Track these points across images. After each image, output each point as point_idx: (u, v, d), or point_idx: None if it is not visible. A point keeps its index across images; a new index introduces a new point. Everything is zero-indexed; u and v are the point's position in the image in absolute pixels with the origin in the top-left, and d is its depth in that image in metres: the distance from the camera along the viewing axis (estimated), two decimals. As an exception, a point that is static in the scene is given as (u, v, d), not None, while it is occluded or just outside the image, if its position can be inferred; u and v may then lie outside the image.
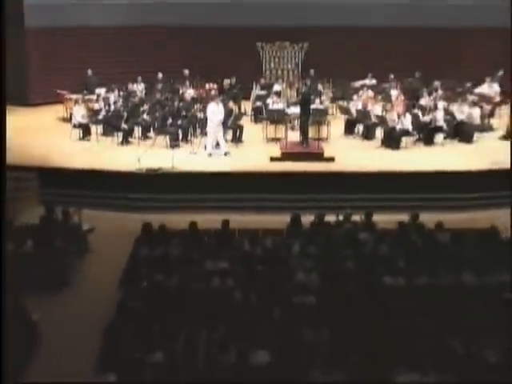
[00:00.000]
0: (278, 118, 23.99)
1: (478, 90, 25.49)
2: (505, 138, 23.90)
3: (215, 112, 23.08)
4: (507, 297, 14.18)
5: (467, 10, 27.20)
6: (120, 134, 23.58)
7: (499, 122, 24.99)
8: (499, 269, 15.40)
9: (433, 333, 13.14)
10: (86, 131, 23.91)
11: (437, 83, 26.04)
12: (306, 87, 25.94)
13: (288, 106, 24.64)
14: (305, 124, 22.99)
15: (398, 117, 23.94)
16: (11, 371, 10.50)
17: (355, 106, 25.58)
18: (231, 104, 24.95)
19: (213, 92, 26.12)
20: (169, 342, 12.45)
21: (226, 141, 23.31)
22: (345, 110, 26.12)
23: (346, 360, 12.02)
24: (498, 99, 25.37)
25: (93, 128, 24.06)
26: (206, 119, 23.86)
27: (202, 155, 22.66)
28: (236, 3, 27.15)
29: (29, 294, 14.79)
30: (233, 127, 23.84)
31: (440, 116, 24.12)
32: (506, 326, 13.10)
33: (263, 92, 26.64)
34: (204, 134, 23.64)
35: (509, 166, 21.81)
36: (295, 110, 23.75)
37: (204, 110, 24.26)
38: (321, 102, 24.94)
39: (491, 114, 25.21)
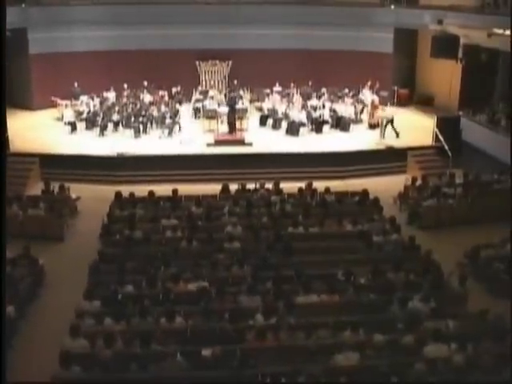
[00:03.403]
0: (211, 115, 23.80)
1: (360, 96, 25.75)
2: (370, 127, 24.15)
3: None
4: (376, 239, 14.40)
5: (344, 38, 27.41)
6: (98, 129, 23.22)
7: (367, 117, 25.19)
8: (370, 219, 15.63)
9: (322, 265, 13.32)
10: (73, 127, 23.49)
11: (323, 89, 26.14)
12: (232, 93, 25.78)
13: (219, 107, 24.46)
14: (231, 119, 22.90)
15: (297, 113, 24.05)
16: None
17: (267, 105, 25.60)
18: (177, 105, 24.74)
19: (166, 98, 25.86)
20: (136, 278, 12.38)
21: (175, 132, 23.17)
22: (259, 109, 26.12)
23: (262, 287, 12.11)
24: (367, 102, 25.57)
25: (78, 124, 23.66)
26: (161, 116, 23.71)
27: (156, 143, 22.39)
28: (180, 33, 26.89)
29: (35, 245, 14.61)
30: (179, 122, 23.63)
31: (326, 113, 24.27)
32: (374, 261, 13.32)
33: (201, 96, 26.44)
34: (159, 127, 23.45)
35: (373, 146, 22.11)
36: (224, 109, 23.63)
37: (159, 110, 24.15)
38: (242, 103, 24.84)
39: (361, 112, 25.39)
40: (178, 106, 24.65)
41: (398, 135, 22.82)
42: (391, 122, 23.04)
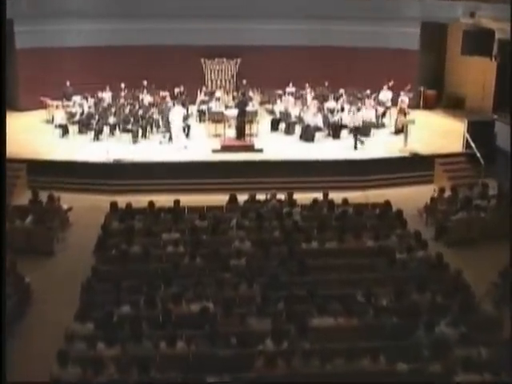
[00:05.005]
0: (217, 118, 23.94)
1: (380, 97, 25.85)
2: (394, 133, 24.18)
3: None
4: (399, 257, 14.36)
5: (365, 33, 27.49)
6: (92, 133, 23.35)
7: (390, 121, 25.29)
8: (392, 234, 15.59)
9: (340, 285, 13.31)
10: (65, 130, 23.65)
11: (341, 90, 26.22)
12: (242, 94, 25.85)
13: (226, 109, 24.60)
14: (240, 123, 22.97)
15: (312, 116, 24.07)
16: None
17: (279, 108, 25.67)
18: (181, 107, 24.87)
19: (167, 99, 25.98)
20: (133, 298, 12.40)
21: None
22: (271, 112, 26.21)
23: (273, 308, 12.10)
24: (389, 104, 25.69)
25: (70, 128, 23.80)
26: (162, 119, 23.83)
27: (157, 148, 22.52)
28: (184, 27, 27.02)
29: (22, 260, 14.64)
30: (182, 126, 23.71)
31: (345, 116, 24.31)
32: (397, 280, 13.30)
33: (206, 98, 26.56)
34: (160, 131, 23.60)
35: (397, 153, 22.11)
36: (231, 112, 23.74)
37: (162, 112, 24.26)
38: (252, 105, 24.91)
39: (383, 115, 25.47)
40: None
41: (361, 144, 22.73)
42: (357, 129, 22.99)
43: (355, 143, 22.75)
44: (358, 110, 23.89)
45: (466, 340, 10.90)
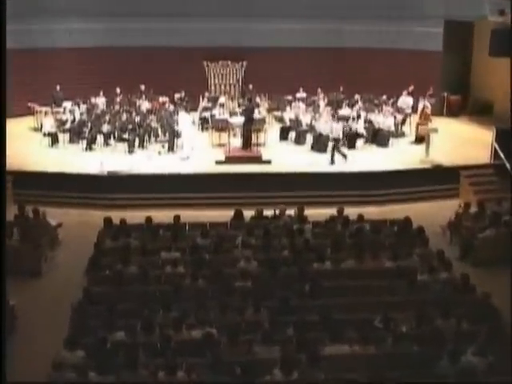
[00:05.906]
0: (222, 126, 23.98)
1: (399, 103, 25.90)
2: (415, 142, 24.19)
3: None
4: (420, 278, 14.32)
5: (383, 34, 27.55)
6: (84, 142, 23.41)
7: (410, 129, 25.31)
8: (413, 254, 15.54)
9: (355, 309, 13.26)
10: (54, 139, 23.73)
11: (357, 96, 26.26)
12: (248, 100, 25.87)
13: (231, 116, 24.66)
14: (247, 132, 23.00)
15: (325, 125, 24.07)
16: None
17: (288, 115, 25.70)
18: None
19: (166, 104, 26.04)
20: (129, 322, 12.38)
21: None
22: (279, 119, 26.25)
23: (281, 334, 12.06)
24: (409, 111, 25.74)
25: (60, 136, 23.88)
26: (161, 127, 23.90)
27: (155, 159, 22.58)
28: (185, 27, 27.13)
29: (7, 282, 14.61)
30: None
31: (361, 124, 24.33)
32: (418, 304, 13.25)
33: (209, 104, 26.64)
34: (158, 141, 23.70)
35: (418, 165, 22.07)
36: (237, 119, 23.79)
37: (160, 120, 24.32)
38: (259, 112, 24.95)
39: (403, 123, 25.50)
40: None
41: (344, 158, 22.56)
42: (337, 141, 22.90)
43: (331, 157, 22.40)
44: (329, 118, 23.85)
45: (495, 370, 10.85)
